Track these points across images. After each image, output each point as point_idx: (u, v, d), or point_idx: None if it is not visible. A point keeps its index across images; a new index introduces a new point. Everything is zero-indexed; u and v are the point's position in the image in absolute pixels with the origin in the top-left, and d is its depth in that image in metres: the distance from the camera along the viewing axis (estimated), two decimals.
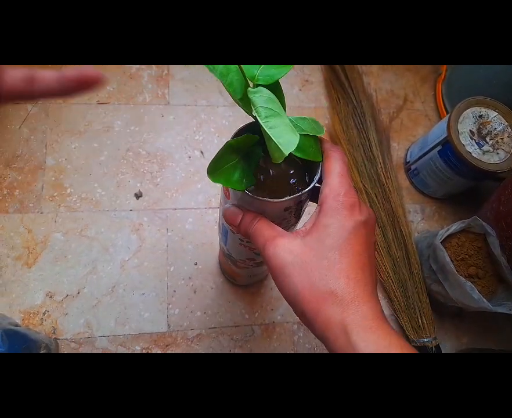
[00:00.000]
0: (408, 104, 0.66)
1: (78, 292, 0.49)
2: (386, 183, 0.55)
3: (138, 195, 0.54)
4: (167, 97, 0.59)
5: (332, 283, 0.23)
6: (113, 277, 0.50)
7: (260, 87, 0.27)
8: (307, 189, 0.28)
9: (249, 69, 0.28)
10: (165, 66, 0.61)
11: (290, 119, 0.30)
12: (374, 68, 0.67)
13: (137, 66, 0.60)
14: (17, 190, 0.52)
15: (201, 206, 0.55)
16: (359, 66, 0.65)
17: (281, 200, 0.28)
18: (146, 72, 0.60)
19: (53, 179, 0.53)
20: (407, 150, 0.62)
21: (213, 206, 0.55)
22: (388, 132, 0.62)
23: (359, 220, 0.25)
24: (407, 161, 0.61)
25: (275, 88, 0.29)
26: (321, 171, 0.28)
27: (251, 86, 0.28)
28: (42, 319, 0.47)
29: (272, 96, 0.26)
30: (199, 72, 0.61)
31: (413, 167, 0.59)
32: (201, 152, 0.57)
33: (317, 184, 0.29)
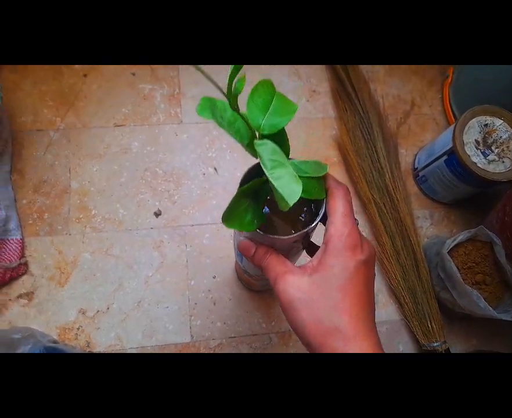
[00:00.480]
0: (416, 109, 0.67)
1: (108, 308, 0.53)
2: (394, 193, 0.56)
3: (157, 214, 0.57)
4: (180, 116, 0.62)
5: (337, 320, 0.26)
6: (138, 292, 0.54)
7: (265, 140, 0.29)
8: (313, 225, 0.31)
9: (255, 118, 0.30)
10: (176, 85, 0.63)
11: (294, 163, 0.32)
12: (381, 74, 0.68)
13: (150, 86, 0.63)
14: (46, 214, 0.55)
15: (216, 222, 0.58)
16: (365, 73, 0.67)
17: (290, 237, 0.31)
18: (159, 92, 0.62)
19: (78, 201, 0.56)
20: (415, 155, 0.64)
21: None
22: (396, 139, 0.64)
23: (360, 260, 0.27)
24: (415, 167, 0.62)
25: (280, 134, 0.32)
26: (325, 207, 0.31)
27: (257, 134, 0.31)
28: (77, 333, 0.52)
29: (276, 147, 0.29)
30: (209, 89, 0.63)
31: (420, 174, 0.61)
32: (215, 169, 0.60)
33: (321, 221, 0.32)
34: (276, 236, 0.31)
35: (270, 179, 0.27)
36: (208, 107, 0.28)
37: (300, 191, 0.26)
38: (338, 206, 0.29)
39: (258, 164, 0.31)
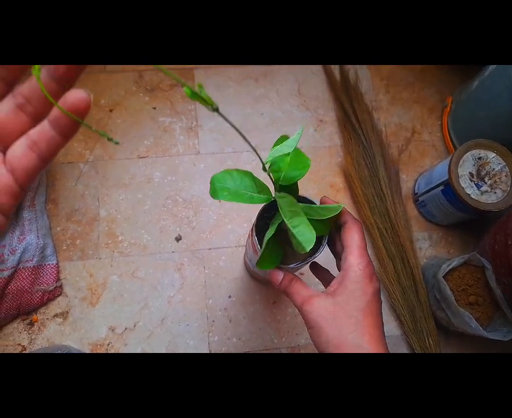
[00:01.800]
0: (416, 136, 0.72)
1: (134, 326, 0.59)
2: (395, 218, 0.61)
3: (178, 239, 0.63)
4: (197, 147, 0.67)
5: (358, 338, 0.31)
6: (162, 311, 0.60)
7: (284, 193, 0.35)
8: (318, 255, 0.37)
9: (277, 174, 0.36)
10: (194, 118, 0.68)
11: (307, 207, 0.37)
12: (384, 103, 0.73)
13: (170, 119, 0.68)
14: (78, 240, 0.61)
15: (232, 245, 0.63)
16: (369, 102, 0.71)
17: (301, 264, 0.37)
18: (178, 125, 0.68)
19: (107, 228, 0.62)
20: (416, 181, 0.68)
21: (242, 244, 0.63)
22: (397, 165, 0.68)
23: (376, 287, 0.33)
24: (416, 192, 0.67)
25: (294, 184, 0.37)
26: (342, 238, 0.36)
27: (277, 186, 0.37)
28: (107, 349, 0.58)
29: (293, 199, 0.34)
30: (224, 121, 0.69)
31: (420, 199, 0.65)
32: None
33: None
34: (290, 266, 0.37)
35: (289, 226, 0.33)
36: (217, 187, 0.34)
37: (315, 239, 0.32)
38: (355, 239, 0.33)
39: (268, 205, 0.37)
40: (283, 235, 0.38)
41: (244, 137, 0.27)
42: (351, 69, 0.73)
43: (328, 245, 0.39)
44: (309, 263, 0.40)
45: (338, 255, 0.38)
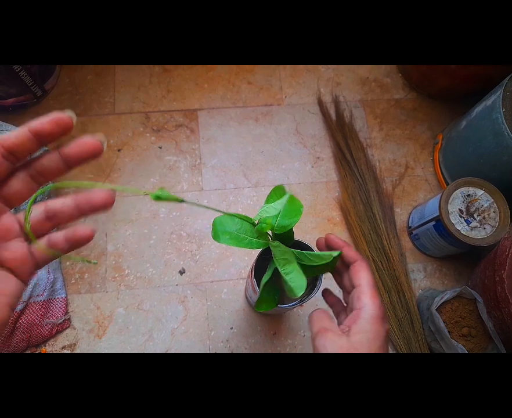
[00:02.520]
0: (409, 171, 0.75)
1: None
2: (390, 252, 0.64)
3: (182, 272, 0.65)
4: (201, 184, 0.71)
5: None
6: (166, 343, 0.62)
7: (277, 242, 0.38)
8: (315, 293, 0.39)
9: (269, 223, 0.39)
10: (198, 156, 0.72)
11: (304, 253, 0.40)
12: (378, 140, 0.76)
13: (175, 158, 0.72)
14: (86, 274, 0.64)
15: (233, 278, 0.66)
16: (363, 139, 0.75)
17: (296, 304, 0.40)
18: (182, 163, 0.72)
19: (114, 262, 0.65)
20: (410, 214, 0.71)
21: (243, 276, 0.66)
22: (392, 199, 0.71)
23: (387, 329, 0.34)
24: (410, 226, 0.70)
25: (288, 231, 0.40)
26: (350, 275, 0.37)
27: (271, 234, 0.39)
28: None
29: (286, 249, 0.37)
30: (225, 159, 0.73)
31: (414, 232, 0.68)
32: None
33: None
34: (285, 306, 0.40)
35: (282, 273, 0.35)
36: (219, 230, 0.37)
37: (305, 285, 0.34)
38: (366, 279, 0.34)
39: (264, 250, 0.40)
40: (279, 277, 0.40)
41: None
42: (346, 108, 0.77)
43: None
44: (304, 303, 0.43)
45: (345, 288, 0.39)
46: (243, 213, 0.37)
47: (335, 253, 0.37)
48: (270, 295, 0.39)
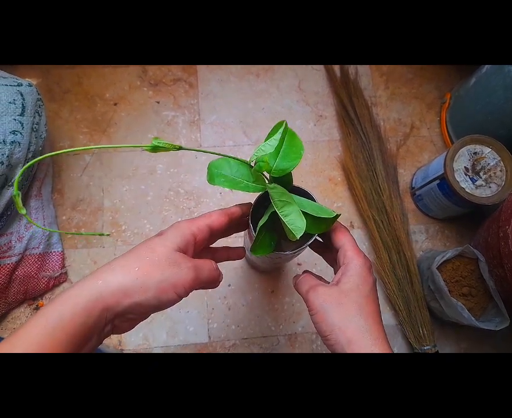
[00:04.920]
0: (415, 131, 0.73)
1: None
2: (391, 212, 0.63)
3: None
4: (199, 141, 0.69)
5: (363, 322, 0.32)
6: None
7: (275, 184, 0.36)
8: (310, 241, 0.38)
9: (266, 160, 0.37)
10: (196, 112, 0.70)
11: (302, 200, 0.38)
12: (383, 98, 0.74)
13: (173, 113, 0.70)
14: (83, 229, 0.63)
15: (232, 236, 0.65)
16: (368, 98, 0.72)
17: (294, 252, 0.39)
18: (181, 118, 0.70)
19: (110, 218, 0.64)
20: (413, 175, 0.69)
21: (241, 235, 0.65)
22: (396, 160, 0.69)
23: (374, 279, 0.35)
24: (413, 186, 0.68)
25: (287, 174, 0.38)
26: (332, 239, 0.37)
27: (267, 176, 0.38)
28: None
29: (284, 191, 0.36)
30: (225, 115, 0.71)
31: (417, 193, 0.67)
32: None
33: (317, 238, 0.39)
34: (284, 253, 0.39)
35: (280, 216, 0.34)
36: (214, 173, 0.36)
37: (305, 227, 0.33)
38: (349, 239, 0.36)
39: (262, 194, 0.39)
40: (278, 225, 0.39)
41: None
42: (351, 65, 0.74)
43: (311, 247, 0.40)
44: (303, 250, 0.42)
45: (333, 261, 0.39)
46: None
47: (333, 213, 0.36)
48: (266, 240, 0.38)
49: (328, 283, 0.36)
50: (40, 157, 0.23)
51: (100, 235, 0.29)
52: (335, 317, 0.32)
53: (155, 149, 0.24)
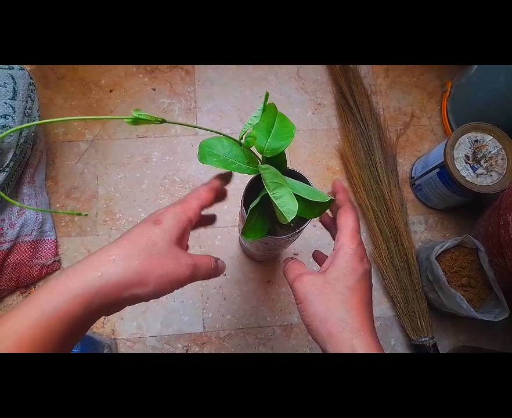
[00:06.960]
0: (415, 120, 0.71)
1: None
2: (390, 201, 0.61)
3: None
4: (196, 129, 0.68)
5: (345, 313, 0.30)
6: None
7: (267, 165, 0.35)
8: (304, 226, 0.37)
9: (258, 143, 0.36)
10: (193, 99, 0.69)
11: (296, 184, 0.37)
12: (383, 87, 0.72)
13: (169, 101, 0.69)
14: (76, 217, 0.62)
15: (228, 225, 0.64)
16: (368, 86, 0.71)
17: (287, 236, 0.38)
18: (177, 106, 0.69)
19: (105, 206, 0.63)
20: (413, 165, 0.68)
21: (237, 224, 0.64)
22: (395, 149, 0.68)
23: (366, 268, 0.33)
24: (412, 176, 0.67)
25: (280, 154, 0.37)
26: (337, 220, 0.35)
27: (260, 158, 0.37)
28: (103, 323, 0.59)
29: (277, 172, 0.35)
30: (222, 103, 0.69)
31: (417, 183, 0.65)
32: None
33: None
34: (278, 237, 0.38)
35: (272, 198, 0.33)
36: (206, 152, 0.35)
37: (297, 210, 0.32)
38: (349, 222, 0.34)
39: (256, 177, 0.38)
40: (272, 209, 0.38)
41: None
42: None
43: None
44: (297, 235, 0.41)
45: (332, 230, 0.38)
46: None
47: (328, 198, 0.35)
48: (258, 223, 0.37)
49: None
50: (27, 125, 0.22)
51: (78, 215, 0.28)
52: (317, 307, 0.31)
53: (136, 121, 0.23)
